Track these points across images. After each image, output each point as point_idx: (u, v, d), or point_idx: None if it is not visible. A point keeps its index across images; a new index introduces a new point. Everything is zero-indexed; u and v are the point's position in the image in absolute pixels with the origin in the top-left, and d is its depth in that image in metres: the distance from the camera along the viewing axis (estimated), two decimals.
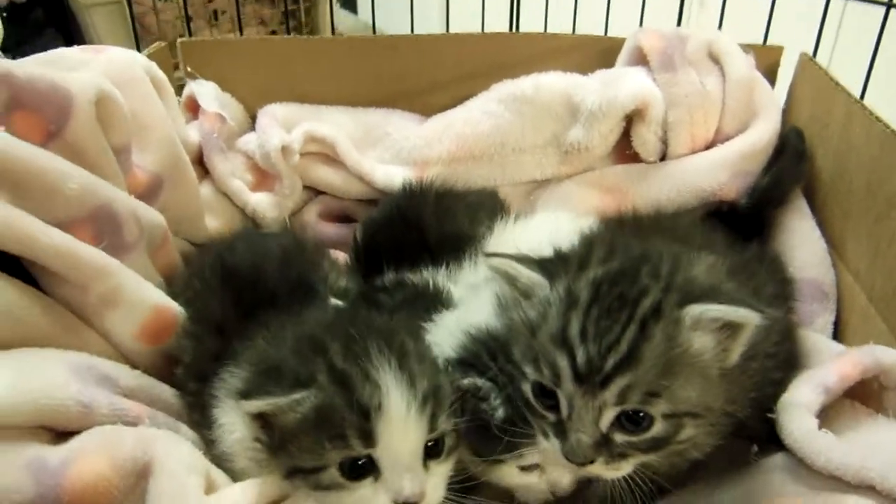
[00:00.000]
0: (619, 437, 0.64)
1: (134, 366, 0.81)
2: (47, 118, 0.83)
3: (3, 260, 0.73)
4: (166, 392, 0.80)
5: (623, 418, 0.63)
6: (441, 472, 0.67)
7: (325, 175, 1.27)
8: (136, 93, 1.03)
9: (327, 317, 0.71)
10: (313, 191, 1.31)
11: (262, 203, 1.21)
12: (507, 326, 0.74)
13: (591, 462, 0.64)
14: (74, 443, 0.63)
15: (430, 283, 0.88)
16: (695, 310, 0.62)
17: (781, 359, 0.82)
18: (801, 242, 1.06)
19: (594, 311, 0.63)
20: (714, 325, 0.63)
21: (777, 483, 0.72)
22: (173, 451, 0.64)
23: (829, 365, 0.76)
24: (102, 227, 0.83)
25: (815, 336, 0.96)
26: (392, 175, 1.23)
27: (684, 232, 0.92)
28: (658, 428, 0.63)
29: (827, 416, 0.75)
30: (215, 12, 2.35)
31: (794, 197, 1.11)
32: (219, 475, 0.68)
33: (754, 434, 0.81)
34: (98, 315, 0.79)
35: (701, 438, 0.72)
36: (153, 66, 1.11)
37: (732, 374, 0.66)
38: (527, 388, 0.68)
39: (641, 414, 0.62)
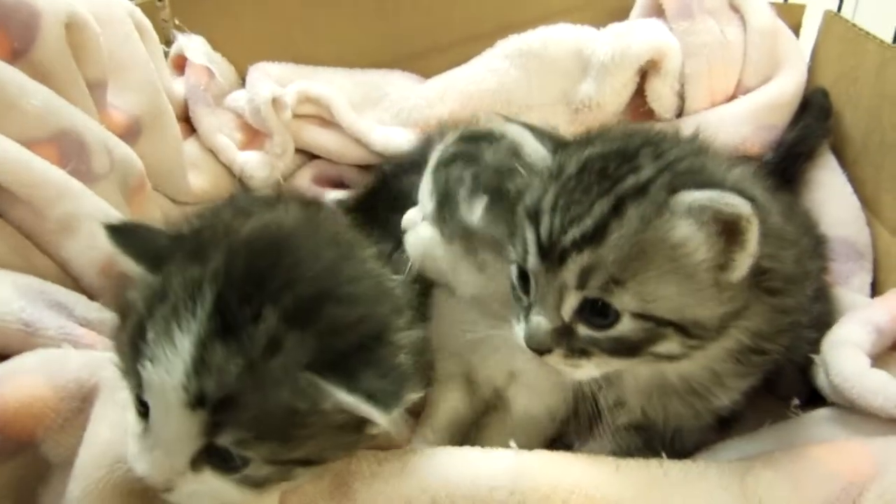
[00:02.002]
0: (582, 330, 0.57)
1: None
2: (12, 35, 0.77)
3: None
4: None
5: (588, 310, 0.56)
6: (220, 488, 0.51)
7: (320, 137, 1.19)
8: (116, 31, 0.96)
9: (277, 223, 0.57)
10: (307, 155, 1.23)
11: (251, 161, 1.12)
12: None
13: (549, 351, 0.58)
14: (11, 362, 0.55)
15: None
16: (686, 196, 0.53)
17: (816, 317, 0.74)
18: (832, 198, 0.98)
19: (571, 184, 0.57)
20: (704, 217, 0.53)
21: (825, 433, 0.63)
22: None
23: (876, 303, 0.67)
24: (67, 152, 0.76)
25: (853, 295, 0.87)
26: (390, 137, 1.15)
27: None
28: (625, 327, 0.55)
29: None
30: None
31: (822, 152, 1.03)
32: None
33: (791, 391, 0.72)
34: (56, 244, 0.72)
35: (730, 380, 0.63)
36: (137, 10, 1.05)
37: (746, 296, 0.57)
38: (513, 270, 0.63)
39: (605, 306, 0.55)
